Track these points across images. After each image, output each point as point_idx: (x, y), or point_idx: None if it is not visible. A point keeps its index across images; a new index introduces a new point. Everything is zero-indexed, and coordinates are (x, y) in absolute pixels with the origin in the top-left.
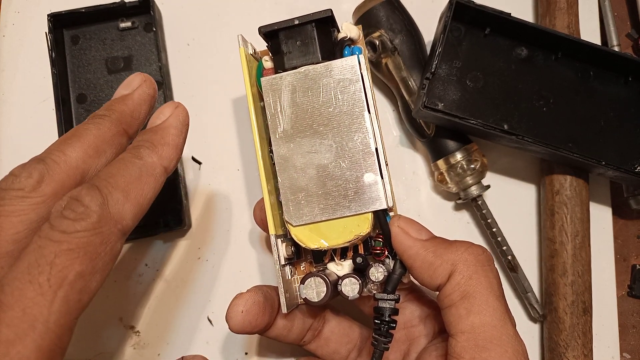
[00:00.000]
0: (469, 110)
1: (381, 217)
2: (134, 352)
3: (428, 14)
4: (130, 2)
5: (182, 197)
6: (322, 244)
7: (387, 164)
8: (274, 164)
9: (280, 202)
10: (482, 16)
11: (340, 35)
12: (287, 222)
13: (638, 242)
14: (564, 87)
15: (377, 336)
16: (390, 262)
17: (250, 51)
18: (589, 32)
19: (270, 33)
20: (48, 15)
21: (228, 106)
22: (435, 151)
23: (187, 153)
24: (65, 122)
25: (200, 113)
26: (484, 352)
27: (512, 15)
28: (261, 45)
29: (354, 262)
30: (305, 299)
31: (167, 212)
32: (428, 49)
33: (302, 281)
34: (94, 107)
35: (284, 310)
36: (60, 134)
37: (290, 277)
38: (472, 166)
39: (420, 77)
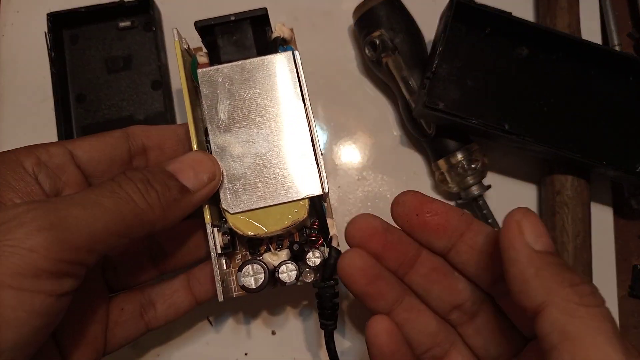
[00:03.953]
0: (469, 110)
1: (317, 204)
2: (134, 352)
3: (428, 14)
4: (129, 1)
5: None
6: (261, 229)
7: (322, 153)
8: (211, 153)
9: (217, 191)
10: (483, 16)
11: (274, 35)
12: (225, 210)
13: (639, 242)
14: (565, 87)
15: (323, 320)
16: (325, 249)
17: (185, 46)
18: (590, 32)
19: (206, 28)
20: (47, 14)
21: None
22: (436, 151)
23: None
24: (64, 122)
25: None
26: None
27: (512, 14)
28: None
29: (291, 249)
30: (242, 287)
31: None
32: (428, 48)
33: (240, 269)
34: (94, 107)
35: (220, 298)
36: (59, 133)
37: (226, 269)
38: (473, 166)
39: (420, 76)
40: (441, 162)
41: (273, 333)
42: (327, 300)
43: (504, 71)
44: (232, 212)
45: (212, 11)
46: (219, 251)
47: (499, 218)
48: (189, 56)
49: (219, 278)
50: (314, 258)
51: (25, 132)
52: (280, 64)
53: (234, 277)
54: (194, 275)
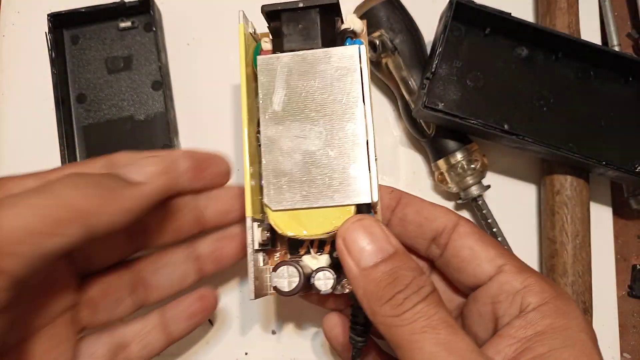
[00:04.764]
0: (469, 110)
1: (364, 212)
2: None
3: (428, 14)
4: (130, 1)
5: None
6: (300, 232)
7: (376, 159)
8: (259, 145)
9: (262, 186)
10: (483, 16)
11: (343, 26)
12: (266, 205)
13: (638, 242)
14: (564, 87)
15: (353, 335)
16: None
17: (250, 30)
18: (589, 32)
19: (272, 13)
20: (48, 15)
21: (228, 106)
22: (436, 151)
23: None
24: (65, 122)
25: (200, 113)
26: None
27: (512, 15)
28: (263, 28)
29: (331, 256)
30: (275, 288)
31: None
32: (428, 48)
33: (274, 269)
34: (94, 107)
35: (252, 297)
36: (60, 133)
37: (262, 265)
38: (473, 166)
39: (420, 76)
40: (441, 162)
41: (273, 333)
42: (362, 317)
43: (504, 71)
44: (273, 208)
45: (212, 11)
46: (257, 247)
47: (499, 218)
48: (254, 41)
49: (252, 275)
50: None
51: (26, 132)
52: (343, 58)
53: (269, 276)
54: (168, 312)
